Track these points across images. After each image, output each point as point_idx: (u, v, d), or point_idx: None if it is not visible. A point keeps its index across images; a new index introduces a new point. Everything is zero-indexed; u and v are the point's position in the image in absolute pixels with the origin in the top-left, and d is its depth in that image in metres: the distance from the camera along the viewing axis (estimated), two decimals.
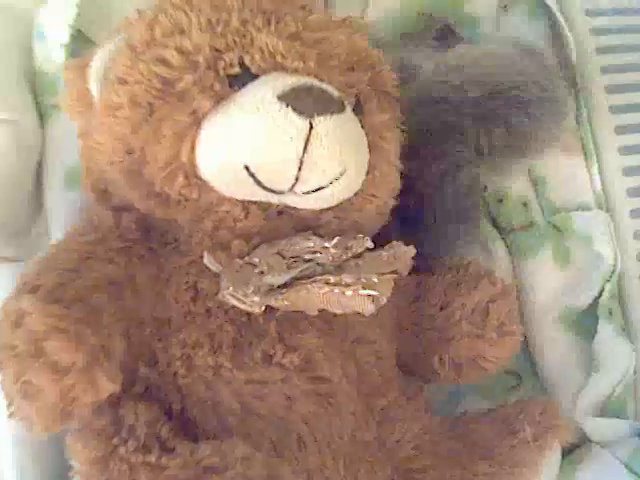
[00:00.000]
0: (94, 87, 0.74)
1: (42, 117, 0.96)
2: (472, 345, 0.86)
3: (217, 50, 0.69)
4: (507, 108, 0.88)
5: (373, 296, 0.71)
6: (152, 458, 0.64)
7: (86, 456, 0.67)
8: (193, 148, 0.67)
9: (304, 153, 0.66)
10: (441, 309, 0.87)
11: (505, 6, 1.07)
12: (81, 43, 0.93)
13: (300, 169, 0.67)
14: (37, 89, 0.97)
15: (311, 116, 0.65)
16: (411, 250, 0.80)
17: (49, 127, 0.96)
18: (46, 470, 0.84)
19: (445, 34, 1.05)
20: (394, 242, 0.80)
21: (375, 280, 0.72)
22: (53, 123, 0.96)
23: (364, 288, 0.71)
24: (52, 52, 0.93)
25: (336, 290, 0.71)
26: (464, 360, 0.87)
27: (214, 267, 0.72)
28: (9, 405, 0.64)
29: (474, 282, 0.87)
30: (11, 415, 0.65)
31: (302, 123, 0.65)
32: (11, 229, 0.92)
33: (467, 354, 0.87)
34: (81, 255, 0.71)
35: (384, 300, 0.73)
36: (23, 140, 0.92)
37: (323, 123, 0.66)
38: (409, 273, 0.81)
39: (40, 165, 0.96)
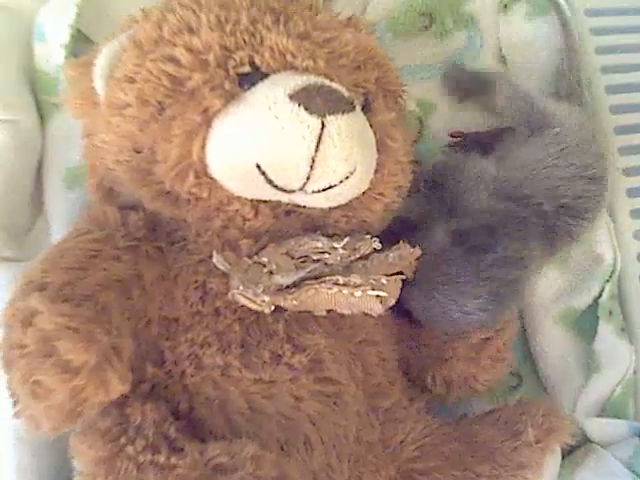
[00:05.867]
0: (99, 85, 0.74)
1: (42, 117, 0.95)
2: (466, 368, 0.88)
3: (227, 49, 0.69)
4: (571, 221, 0.89)
5: (381, 297, 0.71)
6: (161, 458, 0.64)
7: (92, 456, 0.67)
8: (204, 147, 0.67)
9: (316, 152, 0.66)
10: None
11: (505, 5, 1.07)
12: (81, 43, 0.92)
13: (312, 168, 0.66)
14: (37, 89, 0.96)
15: (323, 115, 0.65)
16: (417, 251, 0.80)
17: (49, 127, 0.95)
18: (46, 469, 0.84)
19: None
20: (401, 243, 0.80)
21: (384, 281, 0.73)
22: (53, 123, 0.95)
23: (373, 289, 0.71)
24: (52, 52, 0.93)
25: (345, 291, 0.71)
26: (455, 380, 0.89)
27: (223, 267, 0.72)
28: (15, 404, 0.64)
29: None
30: (17, 414, 0.64)
31: (314, 122, 0.65)
32: (11, 229, 0.91)
33: (459, 375, 0.89)
34: (87, 253, 0.71)
35: (392, 301, 0.73)
36: (23, 140, 0.92)
37: (335, 122, 0.66)
38: None
39: (40, 165, 0.95)
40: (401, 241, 0.81)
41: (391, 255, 0.78)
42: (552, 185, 0.88)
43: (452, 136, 1.02)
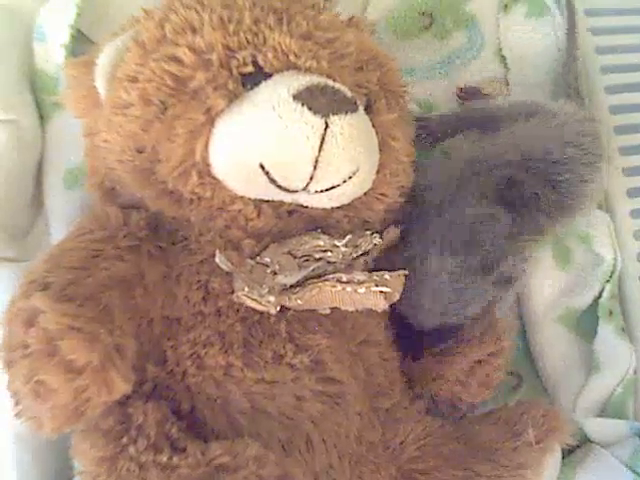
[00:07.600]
0: (101, 85, 0.74)
1: (42, 117, 0.95)
2: (452, 388, 0.88)
3: (230, 49, 0.69)
4: (548, 170, 0.86)
5: (385, 293, 0.72)
6: (163, 458, 0.64)
7: (93, 456, 0.67)
8: (207, 147, 0.67)
9: (319, 152, 0.66)
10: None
11: (505, 6, 1.07)
12: (81, 43, 0.92)
13: (315, 168, 0.66)
14: (37, 89, 0.96)
15: (326, 115, 0.65)
16: (397, 230, 0.82)
17: (49, 127, 0.95)
18: (46, 469, 0.84)
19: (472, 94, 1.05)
20: (390, 228, 0.81)
21: (387, 277, 0.73)
22: (53, 123, 0.95)
23: (376, 285, 0.72)
24: (52, 52, 0.93)
25: (348, 288, 0.71)
26: (442, 398, 0.89)
27: (226, 266, 0.71)
28: (16, 404, 0.64)
29: (479, 337, 0.88)
30: (18, 415, 0.64)
31: (318, 122, 0.65)
32: (11, 229, 0.91)
33: (445, 395, 0.89)
34: (90, 253, 0.70)
35: (396, 296, 0.74)
36: (23, 140, 0.91)
37: (338, 122, 0.66)
38: None
39: (40, 165, 0.95)
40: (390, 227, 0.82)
41: (383, 242, 0.80)
42: (520, 142, 0.87)
43: None
